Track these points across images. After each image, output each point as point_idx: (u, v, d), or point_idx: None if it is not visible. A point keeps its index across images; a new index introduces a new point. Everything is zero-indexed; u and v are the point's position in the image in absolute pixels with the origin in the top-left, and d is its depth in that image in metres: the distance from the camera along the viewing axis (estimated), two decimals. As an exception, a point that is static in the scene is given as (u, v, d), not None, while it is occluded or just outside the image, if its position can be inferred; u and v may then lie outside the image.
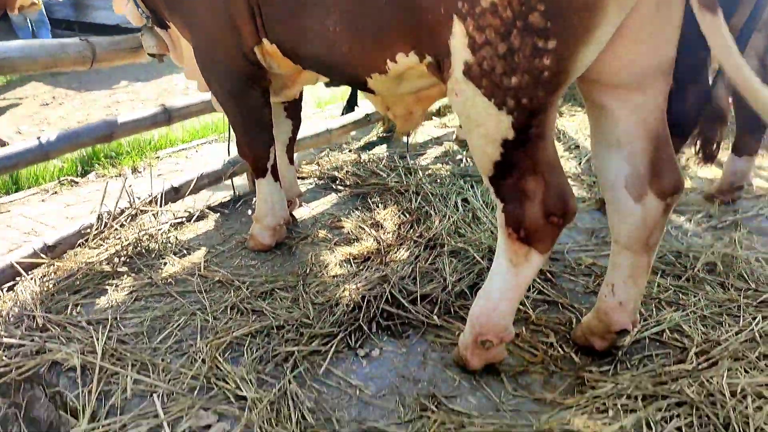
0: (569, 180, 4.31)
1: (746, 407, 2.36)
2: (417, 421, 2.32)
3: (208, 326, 2.76)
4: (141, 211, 3.59)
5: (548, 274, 3.28)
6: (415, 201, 3.95)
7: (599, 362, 2.68)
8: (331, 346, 2.67)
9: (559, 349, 2.75)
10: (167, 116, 3.67)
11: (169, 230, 3.56)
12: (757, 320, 2.90)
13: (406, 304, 2.92)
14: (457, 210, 3.87)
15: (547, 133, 2.10)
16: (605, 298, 2.59)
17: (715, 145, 3.64)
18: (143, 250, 3.36)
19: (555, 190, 2.15)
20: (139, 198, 3.64)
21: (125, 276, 3.14)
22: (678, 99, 3.71)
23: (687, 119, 3.65)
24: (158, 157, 5.75)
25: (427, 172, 4.44)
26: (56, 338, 2.66)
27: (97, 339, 2.62)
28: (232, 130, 3.31)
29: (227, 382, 2.42)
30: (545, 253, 2.26)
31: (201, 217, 3.83)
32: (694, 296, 3.10)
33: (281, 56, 2.84)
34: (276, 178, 3.36)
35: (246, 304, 2.92)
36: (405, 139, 4.57)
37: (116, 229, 3.43)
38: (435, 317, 2.87)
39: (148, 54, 3.41)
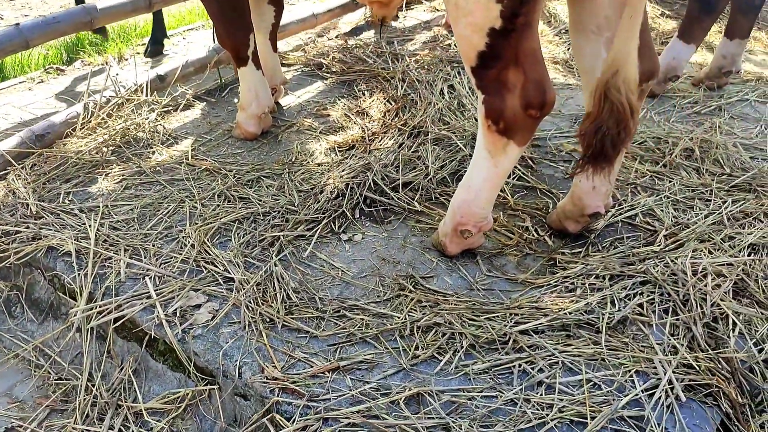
0: (557, 66, 4.32)
1: (705, 285, 2.51)
2: (395, 299, 2.47)
3: (197, 213, 2.86)
4: (127, 100, 3.59)
5: (529, 161, 3.36)
6: (401, 88, 3.95)
7: (572, 245, 2.81)
8: (316, 231, 2.78)
9: (534, 232, 2.87)
10: (148, 2, 3.59)
11: (156, 119, 3.58)
12: (726, 204, 3.00)
13: (388, 191, 3.01)
14: (443, 97, 3.88)
15: (533, 22, 2.10)
16: (580, 183, 2.68)
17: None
18: (131, 140, 3.41)
19: (534, 81, 2.17)
20: (125, 87, 3.63)
21: (114, 165, 3.21)
22: None
23: None
24: (144, 44, 5.64)
25: (414, 58, 4.40)
26: (50, 225, 2.76)
27: (90, 226, 2.73)
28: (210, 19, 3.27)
29: (216, 266, 2.55)
30: (523, 145, 2.31)
31: (187, 105, 3.84)
32: (669, 181, 3.19)
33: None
34: (258, 66, 3.34)
35: (233, 191, 3.01)
36: (380, 23, 4.49)
37: (104, 119, 3.45)
38: (416, 203, 2.97)
39: None
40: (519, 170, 3.26)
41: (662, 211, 2.98)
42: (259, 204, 2.92)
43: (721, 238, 2.78)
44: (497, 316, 2.37)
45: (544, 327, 2.33)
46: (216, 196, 2.98)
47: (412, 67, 4.25)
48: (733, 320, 2.39)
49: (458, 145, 3.35)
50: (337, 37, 4.95)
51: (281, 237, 2.72)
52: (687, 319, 2.37)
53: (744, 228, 2.88)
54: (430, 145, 3.35)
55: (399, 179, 3.07)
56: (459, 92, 3.94)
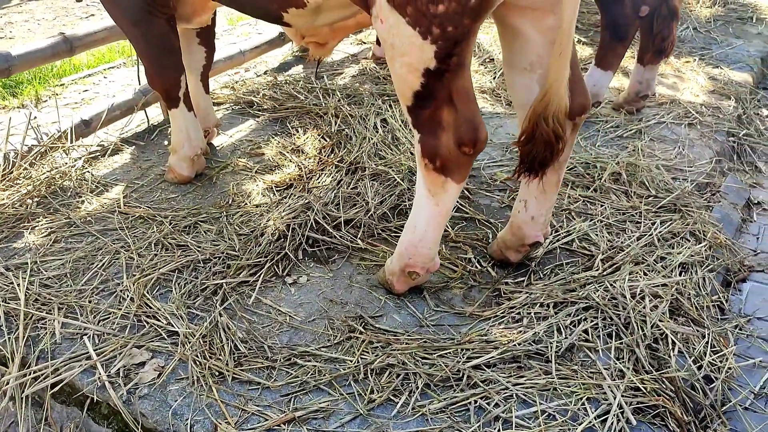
0: (485, 95, 4.44)
1: (644, 307, 2.60)
2: (345, 342, 2.44)
3: (134, 264, 2.76)
4: (51, 148, 3.45)
5: (465, 191, 3.41)
6: (335, 124, 3.96)
7: (514, 274, 2.87)
8: (259, 276, 2.73)
9: (477, 264, 2.91)
10: (69, 46, 3.47)
11: (83, 166, 3.44)
12: (655, 225, 3.14)
13: (330, 230, 2.99)
14: (377, 131, 3.91)
15: (466, 62, 2.15)
16: (518, 214, 2.74)
17: (668, 42, 3.86)
18: (57, 189, 3.27)
19: (466, 120, 2.21)
20: (47, 134, 3.48)
21: (41, 217, 3.06)
22: (617, 2, 3.84)
23: (627, 21, 3.81)
24: (62, 85, 5.45)
25: (345, 93, 4.42)
26: (-26, 287, 2.60)
27: (18, 285, 2.59)
28: (139, 59, 3.18)
29: (158, 319, 2.46)
30: (461, 182, 2.35)
31: (115, 150, 3.72)
32: (601, 205, 3.31)
33: (189, -16, 2.73)
34: (189, 107, 3.28)
35: (170, 239, 2.92)
36: (316, 61, 4.50)
37: (26, 168, 3.30)
38: (359, 241, 2.96)
39: None
40: (457, 201, 3.29)
41: (597, 235, 3.09)
42: (198, 251, 2.84)
43: (654, 260, 2.91)
44: (449, 353, 2.38)
45: (495, 360, 2.36)
46: (153, 245, 2.89)
47: (343, 101, 4.27)
48: (672, 340, 2.49)
49: (396, 180, 3.38)
50: (265, 73, 4.92)
51: (224, 285, 2.66)
52: (630, 342, 2.45)
53: (673, 248, 3.01)
54: (368, 180, 3.36)
55: (340, 217, 3.06)
56: (392, 126, 3.98)
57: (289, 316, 2.57)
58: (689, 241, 3.08)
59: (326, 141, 3.80)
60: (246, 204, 3.24)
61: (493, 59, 5.19)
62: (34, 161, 3.34)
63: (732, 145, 4.22)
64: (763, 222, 3.64)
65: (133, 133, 3.97)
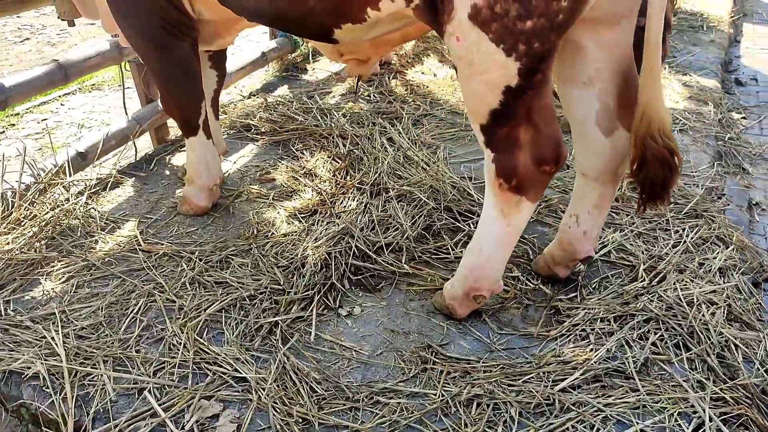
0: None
1: (703, 315, 2.62)
2: (421, 374, 2.34)
3: (175, 306, 2.56)
4: (49, 184, 3.17)
5: (491, 208, 3.35)
6: (343, 145, 3.84)
7: (565, 290, 2.83)
8: (312, 310, 2.59)
9: (527, 282, 2.86)
10: (63, 74, 3.21)
11: (86, 203, 3.19)
12: (686, 231, 3.18)
13: (373, 256, 2.88)
14: (386, 151, 3.81)
15: (549, 78, 2.09)
16: (569, 229, 2.71)
17: (663, 51, 3.91)
18: (65, 229, 3.01)
19: (548, 137, 2.16)
20: (43, 169, 3.20)
21: (55, 261, 2.80)
22: None
23: None
24: (17, 114, 5.10)
25: (342, 113, 4.31)
26: (2, 344, 2.34)
27: (53, 338, 2.34)
28: (156, 86, 2.97)
29: (220, 365, 2.28)
30: (536, 201, 2.29)
31: (116, 183, 3.47)
32: (627, 215, 3.33)
33: (217, 5, 2.56)
34: (208, 134, 3.10)
35: (206, 276, 2.73)
36: (357, 82, 4.32)
37: (27, 209, 3.02)
38: (405, 265, 2.86)
39: (60, 18, 2.96)
40: (487, 219, 3.24)
41: (632, 245, 3.10)
42: (240, 287, 2.67)
43: (695, 266, 2.93)
44: (532, 377, 2.31)
45: (579, 382, 2.30)
46: (188, 284, 2.69)
47: (342, 122, 4.16)
48: (735, 345, 2.50)
49: (422, 199, 3.29)
50: (251, 96, 4.74)
51: (279, 322, 2.49)
52: (700, 352, 2.45)
53: (707, 253, 3.06)
54: (395, 202, 3.26)
55: (379, 242, 2.95)
56: (400, 144, 3.90)
57: (355, 351, 2.43)
58: (718, 246, 3.13)
59: (338, 163, 3.67)
60: (273, 233, 3.07)
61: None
62: (34, 200, 3.06)
63: (720, 149, 4.36)
64: (766, 222, 3.76)
65: (129, 163, 3.72)
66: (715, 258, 3.01)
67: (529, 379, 2.30)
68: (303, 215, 3.23)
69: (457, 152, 3.97)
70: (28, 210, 3.00)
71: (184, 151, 3.85)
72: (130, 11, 2.65)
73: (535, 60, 2.00)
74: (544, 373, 2.33)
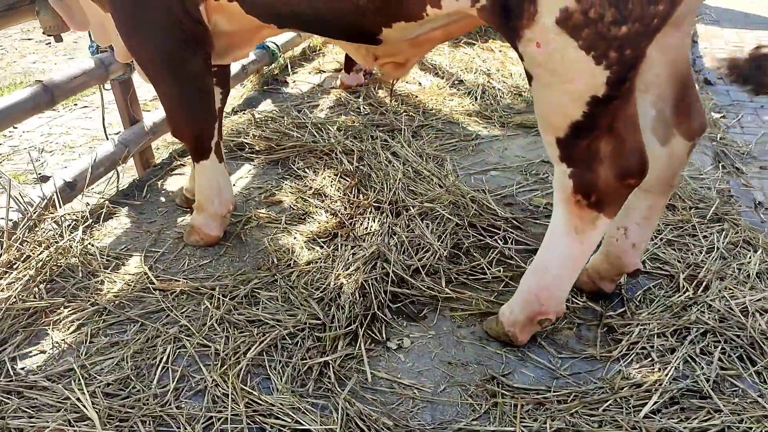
0: (473, 117, 4.30)
1: (759, 324, 2.54)
2: (493, 409, 2.17)
3: (209, 351, 2.30)
4: (38, 220, 2.84)
5: (515, 222, 3.22)
6: (348, 162, 3.63)
7: (611, 305, 2.71)
8: (360, 346, 2.38)
9: (573, 299, 2.73)
10: (50, 96, 2.89)
11: (83, 238, 2.87)
12: (714, 237, 3.12)
13: (412, 281, 2.69)
14: (393, 165, 3.63)
15: (634, 87, 1.96)
16: (616, 242, 2.59)
17: None
18: (65, 269, 2.69)
19: (633, 148, 2.03)
20: (30, 203, 2.87)
21: (61, 307, 2.49)
22: None
23: None
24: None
25: (337, 127, 4.10)
26: (18, 410, 2.03)
27: (79, 399, 2.05)
28: (165, 107, 2.69)
29: (278, 417, 2.04)
30: (613, 216, 2.15)
31: (109, 214, 3.16)
32: (652, 222, 3.24)
33: (242, 14, 2.33)
34: (221, 157, 2.84)
35: (236, 315, 2.48)
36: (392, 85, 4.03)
37: (18, 249, 2.69)
38: (447, 290, 2.68)
39: (46, 34, 2.65)
40: (514, 234, 3.11)
41: (664, 253, 3.01)
42: (277, 325, 2.43)
43: (734, 273, 2.87)
44: (610, 405, 2.17)
45: (659, 406, 2.18)
46: (217, 325, 2.43)
47: (339, 136, 3.95)
48: (796, 354, 2.44)
49: (445, 216, 3.13)
50: (235, 111, 4.47)
51: (330, 363, 2.27)
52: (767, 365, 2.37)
53: (740, 258, 3.00)
54: (420, 220, 3.08)
55: (416, 264, 2.76)
56: (405, 158, 3.72)
57: (417, 388, 2.24)
58: (747, 250, 3.09)
59: (347, 181, 3.46)
60: (295, 262, 2.84)
61: (462, 80, 5.07)
62: (24, 238, 2.73)
63: (716, 149, 4.37)
64: (773, 221, 3.77)
65: (115, 191, 3.41)
66: (749, 263, 2.96)
67: (608, 407, 2.16)
68: (323, 239, 3.01)
69: (463, 164, 3.82)
70: (19, 251, 2.67)
71: (177, 175, 3.58)
72: (141, 25, 2.39)
73: (625, 68, 1.86)
74: (620, 398, 2.19)
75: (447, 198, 3.28)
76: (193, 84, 2.53)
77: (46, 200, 2.89)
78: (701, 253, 3.01)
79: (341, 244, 2.94)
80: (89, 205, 3.13)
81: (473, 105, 4.66)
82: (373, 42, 2.28)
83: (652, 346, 2.47)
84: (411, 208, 3.17)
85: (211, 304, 2.53)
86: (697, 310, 2.62)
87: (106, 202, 3.16)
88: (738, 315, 2.58)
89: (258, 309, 2.52)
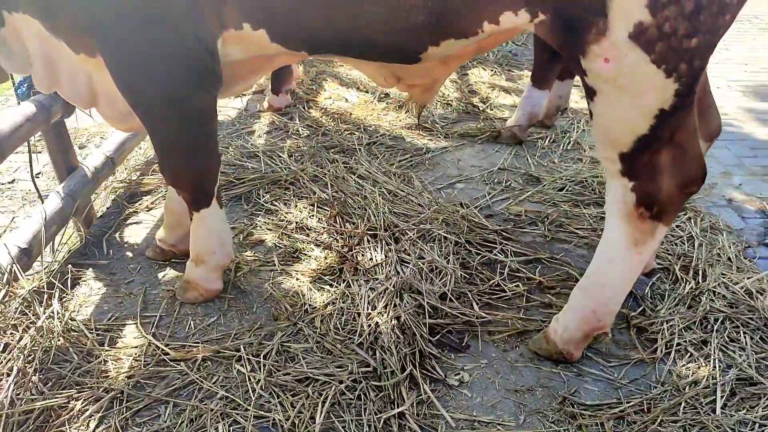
0: (415, 131, 4.27)
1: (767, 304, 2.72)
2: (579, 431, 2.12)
3: (268, 423, 2.05)
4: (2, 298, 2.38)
5: (504, 234, 3.21)
6: (321, 190, 3.43)
7: (628, 305, 2.76)
8: (420, 387, 2.23)
9: (595, 305, 2.75)
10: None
11: (61, 313, 2.45)
12: (688, 226, 3.29)
13: (446, 309, 2.58)
14: (365, 189, 3.48)
15: (695, 96, 1.99)
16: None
17: None
18: (55, 354, 2.27)
19: (694, 156, 2.06)
20: (-12, 280, 2.40)
21: (69, 402, 2.10)
22: None
23: None
24: None
25: (287, 152, 3.86)
26: None
27: None
28: (161, 152, 2.34)
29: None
30: (670, 224, 2.18)
31: (74, 280, 2.73)
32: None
33: (265, 43, 2.10)
34: (221, 203, 2.55)
35: (280, 376, 2.23)
36: (418, 112, 3.68)
37: (-10, 337, 2.23)
38: (483, 314, 2.61)
39: None
40: (510, 245, 3.09)
41: (652, 247, 3.14)
42: (329, 379, 2.22)
43: (717, 257, 3.05)
44: (686, 408, 2.21)
45: (725, 401, 2.25)
46: (263, 391, 2.17)
47: (296, 161, 3.73)
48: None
49: (442, 236, 3.04)
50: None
51: (405, 412, 2.11)
52: (789, 343, 2.54)
53: (716, 243, 3.19)
54: (423, 243, 2.97)
55: (441, 292, 2.66)
56: (375, 178, 3.59)
57: (498, 424, 2.14)
58: (715, 233, 3.29)
59: (326, 210, 3.27)
60: (311, 306, 2.62)
61: (387, 93, 5.00)
62: (-4, 322, 2.28)
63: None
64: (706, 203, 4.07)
65: (69, 251, 2.96)
66: (723, 246, 3.15)
67: (686, 410, 2.19)
68: (328, 277, 2.81)
69: (426, 179, 3.76)
70: (-8, 338, 2.22)
71: (132, 224, 3.20)
72: (147, 61, 2.06)
73: (693, 79, 1.88)
74: (690, 399, 2.24)
75: (437, 217, 3.20)
76: (199, 124, 2.24)
77: (4, 273, 2.43)
78: (683, 242, 3.17)
79: (351, 280, 2.76)
80: (49, 273, 2.68)
81: (410, 118, 4.60)
82: (411, 62, 2.15)
83: (685, 341, 2.55)
84: (408, 231, 3.05)
85: (244, 368, 2.26)
86: (707, 299, 2.75)
87: (70, 266, 2.72)
88: (745, 298, 2.74)
89: (299, 365, 2.29)
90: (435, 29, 1.97)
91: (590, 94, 2.00)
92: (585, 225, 3.32)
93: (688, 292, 2.80)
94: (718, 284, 2.84)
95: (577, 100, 5.07)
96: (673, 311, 2.70)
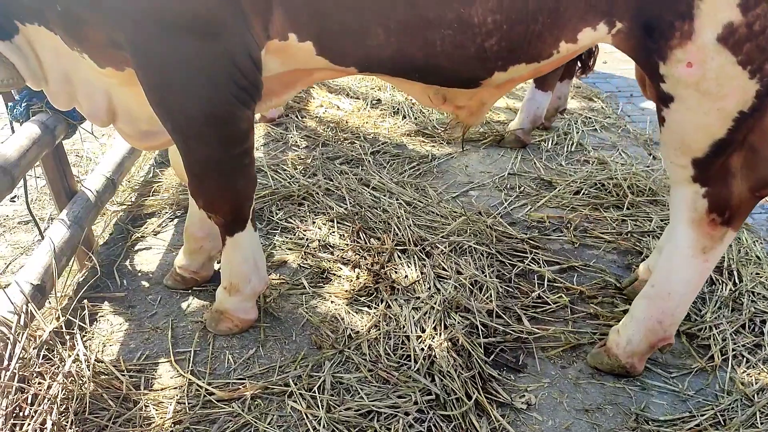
0: (418, 137, 4.15)
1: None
2: (661, 450, 2.04)
3: (343, 466, 1.89)
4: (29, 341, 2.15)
5: (531, 242, 3.12)
6: (336, 204, 3.27)
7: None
8: (491, 413, 2.11)
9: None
10: (10, 179, 2.18)
11: (88, 354, 2.23)
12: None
13: (498, 326, 2.47)
14: (382, 200, 3.34)
15: None
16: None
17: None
18: (90, 401, 2.06)
19: (766, 159, 1.99)
20: (5, 324, 2.15)
21: (117, 456, 1.89)
22: None
23: None
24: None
25: (293, 166, 3.69)
26: None
27: None
28: (190, 172, 2.14)
29: None
30: (739, 229, 2.11)
31: (92, 316, 2.50)
32: (650, 220, 3.32)
33: (309, 56, 1.94)
34: (255, 225, 2.37)
35: (341, 411, 2.07)
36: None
37: (20, 388, 2.00)
38: (535, 329, 2.50)
39: None
40: (540, 255, 3.00)
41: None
42: (395, 411, 2.07)
43: (746, 256, 3.02)
44: (763, 419, 2.15)
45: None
46: (324, 429, 2.01)
47: (303, 175, 3.56)
48: None
49: (473, 248, 2.93)
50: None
51: (483, 441, 1.98)
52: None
53: (739, 242, 3.16)
54: (457, 257, 2.86)
55: (491, 308, 2.54)
56: (389, 188, 3.46)
57: (578, 448, 2.04)
58: (743, 232, 3.27)
59: (346, 225, 3.11)
60: (353, 331, 2.47)
61: (379, 99, 4.86)
62: (22, 373, 2.04)
63: (639, 138, 4.60)
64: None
65: (78, 283, 2.72)
66: (751, 245, 3.13)
67: (761, 420, 2.13)
68: (365, 298, 2.66)
69: (438, 187, 3.64)
70: (22, 391, 1.98)
71: (142, 250, 2.99)
72: (188, 78, 1.86)
73: None
74: (764, 408, 2.18)
75: (464, 228, 3.08)
76: (239, 144, 2.06)
77: (21, 314, 2.19)
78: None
79: (390, 300, 2.61)
80: (65, 310, 2.45)
81: (408, 124, 4.47)
82: (471, 87, 2.04)
83: (738, 346, 2.50)
84: (438, 245, 2.92)
85: (299, 405, 2.09)
86: (749, 300, 2.72)
87: (85, 301, 2.50)
88: (782, 296, 2.72)
89: (358, 397, 2.13)
90: (507, 54, 1.86)
91: (666, 100, 1.91)
92: (609, 229, 3.26)
93: (728, 295, 2.76)
94: (756, 284, 2.82)
95: (569, 100, 5.03)
96: (718, 315, 2.65)
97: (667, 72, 1.83)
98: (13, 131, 2.64)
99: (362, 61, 1.97)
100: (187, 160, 2.11)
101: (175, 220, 3.22)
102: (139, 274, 2.80)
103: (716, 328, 2.57)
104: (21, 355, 2.07)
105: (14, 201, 3.70)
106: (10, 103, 2.66)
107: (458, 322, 2.44)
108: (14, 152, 2.28)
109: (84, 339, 2.35)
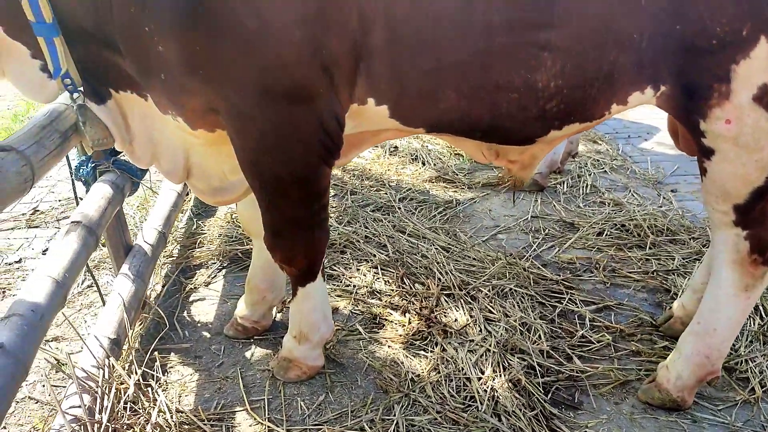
0: (439, 182, 4.32)
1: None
2: (722, 480, 2.17)
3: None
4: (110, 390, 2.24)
5: (565, 283, 3.28)
6: (378, 251, 3.41)
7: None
8: (561, 450, 2.24)
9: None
10: (94, 239, 2.29)
11: (170, 406, 2.32)
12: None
13: (553, 366, 2.60)
14: (420, 243, 3.49)
15: None
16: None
17: None
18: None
19: None
20: (94, 381, 2.24)
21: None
22: None
23: None
24: None
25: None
26: None
27: None
28: (269, 228, 2.26)
29: None
30: None
31: (163, 368, 2.59)
32: (672, 259, 3.50)
33: (383, 118, 2.10)
34: (324, 275, 2.50)
35: (420, 452, 2.19)
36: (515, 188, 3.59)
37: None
38: (588, 368, 2.64)
39: (93, 149, 2.13)
40: (576, 295, 3.16)
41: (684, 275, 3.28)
42: (471, 452, 2.19)
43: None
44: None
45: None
46: (408, 470, 2.12)
47: (333, 223, 3.71)
48: None
49: (514, 290, 3.08)
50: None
51: (558, 478, 2.10)
52: None
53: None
54: (501, 299, 3.00)
55: (543, 348, 2.68)
56: (422, 233, 3.61)
57: (645, 480, 2.16)
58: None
59: (389, 271, 3.25)
60: (414, 374, 2.59)
61: (397, 147, 5.05)
62: (114, 426, 2.12)
63: (650, 179, 4.81)
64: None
65: (144, 335, 2.81)
66: None
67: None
68: (420, 342, 2.78)
69: (468, 231, 3.80)
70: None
71: (197, 301, 3.09)
72: (282, 139, 2.01)
73: None
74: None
75: (504, 271, 3.24)
76: (318, 201, 2.20)
77: (106, 369, 2.29)
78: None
79: (443, 343, 2.74)
80: (140, 363, 2.54)
81: (428, 170, 4.66)
82: (526, 144, 2.21)
83: (779, 371, 2.66)
84: (482, 288, 3.07)
85: (383, 448, 2.20)
86: (772, 327, 2.90)
87: (156, 353, 2.59)
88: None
89: (437, 439, 2.25)
90: (564, 115, 2.04)
91: (707, 153, 2.10)
92: (635, 268, 3.43)
93: (758, 329, 2.92)
94: (779, 310, 2.99)
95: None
96: (752, 348, 2.81)
97: (707, 128, 2.02)
98: (75, 191, 2.77)
99: (431, 123, 2.13)
100: (269, 216, 2.23)
101: (223, 271, 3.34)
102: (199, 324, 2.91)
103: (752, 362, 2.73)
104: (110, 408, 2.16)
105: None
106: (76, 164, 2.79)
107: (516, 363, 2.57)
108: (95, 213, 2.40)
109: (163, 390, 2.44)
